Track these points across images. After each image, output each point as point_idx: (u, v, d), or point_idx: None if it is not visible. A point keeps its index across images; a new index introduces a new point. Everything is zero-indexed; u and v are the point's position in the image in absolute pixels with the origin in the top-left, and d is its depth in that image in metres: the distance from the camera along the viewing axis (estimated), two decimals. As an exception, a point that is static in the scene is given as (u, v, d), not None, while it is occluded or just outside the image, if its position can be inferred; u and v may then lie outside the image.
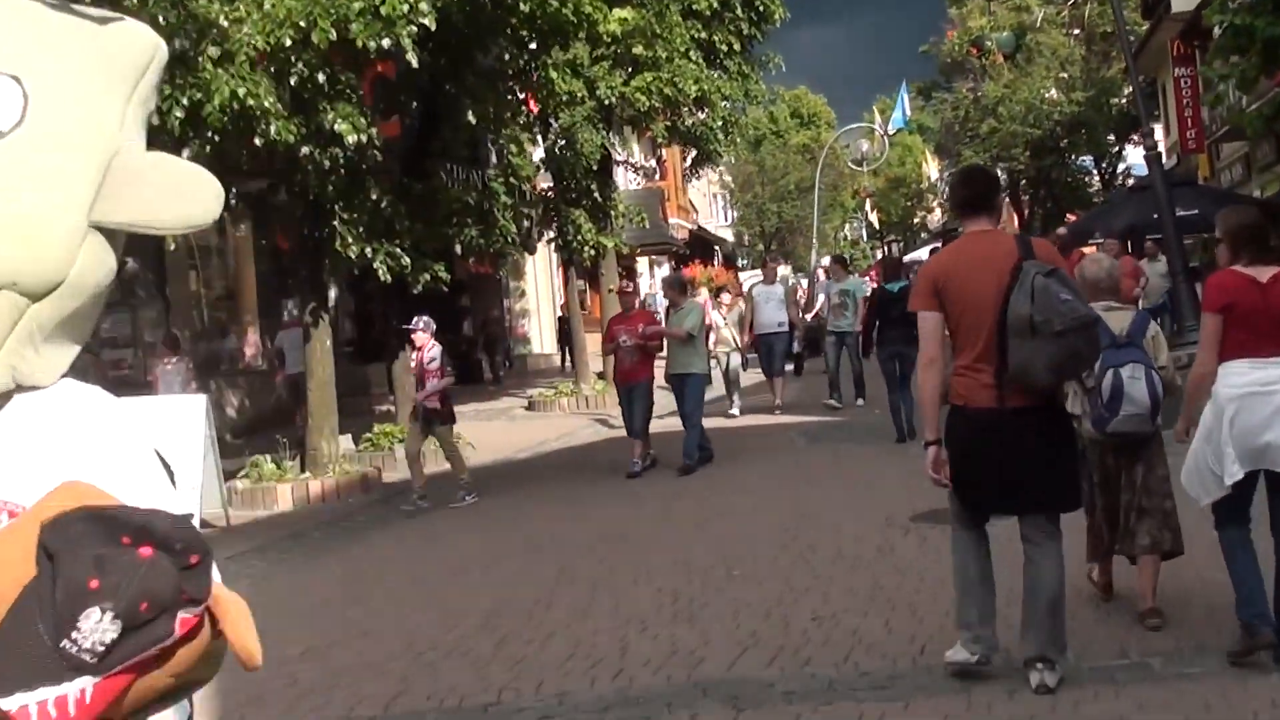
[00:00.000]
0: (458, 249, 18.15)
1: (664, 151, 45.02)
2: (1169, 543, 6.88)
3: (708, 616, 7.87)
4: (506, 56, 17.18)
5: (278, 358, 21.55)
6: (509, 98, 17.02)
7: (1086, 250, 22.35)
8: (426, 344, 13.78)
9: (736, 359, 20.05)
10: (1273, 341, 5.96)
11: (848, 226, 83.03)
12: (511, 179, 19.04)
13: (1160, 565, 6.87)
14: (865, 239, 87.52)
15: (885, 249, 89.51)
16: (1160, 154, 14.68)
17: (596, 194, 24.24)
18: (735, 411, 19.71)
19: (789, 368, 22.05)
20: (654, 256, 51.21)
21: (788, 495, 12.17)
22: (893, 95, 57.95)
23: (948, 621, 6.75)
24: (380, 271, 15.45)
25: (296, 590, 10.22)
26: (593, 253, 24.33)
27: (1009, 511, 6.24)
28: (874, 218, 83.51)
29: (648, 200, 45.40)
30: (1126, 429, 6.74)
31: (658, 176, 48.32)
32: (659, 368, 15.03)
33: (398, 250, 15.51)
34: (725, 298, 21.65)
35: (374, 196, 15.49)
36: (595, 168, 23.95)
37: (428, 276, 16.45)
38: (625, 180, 39.64)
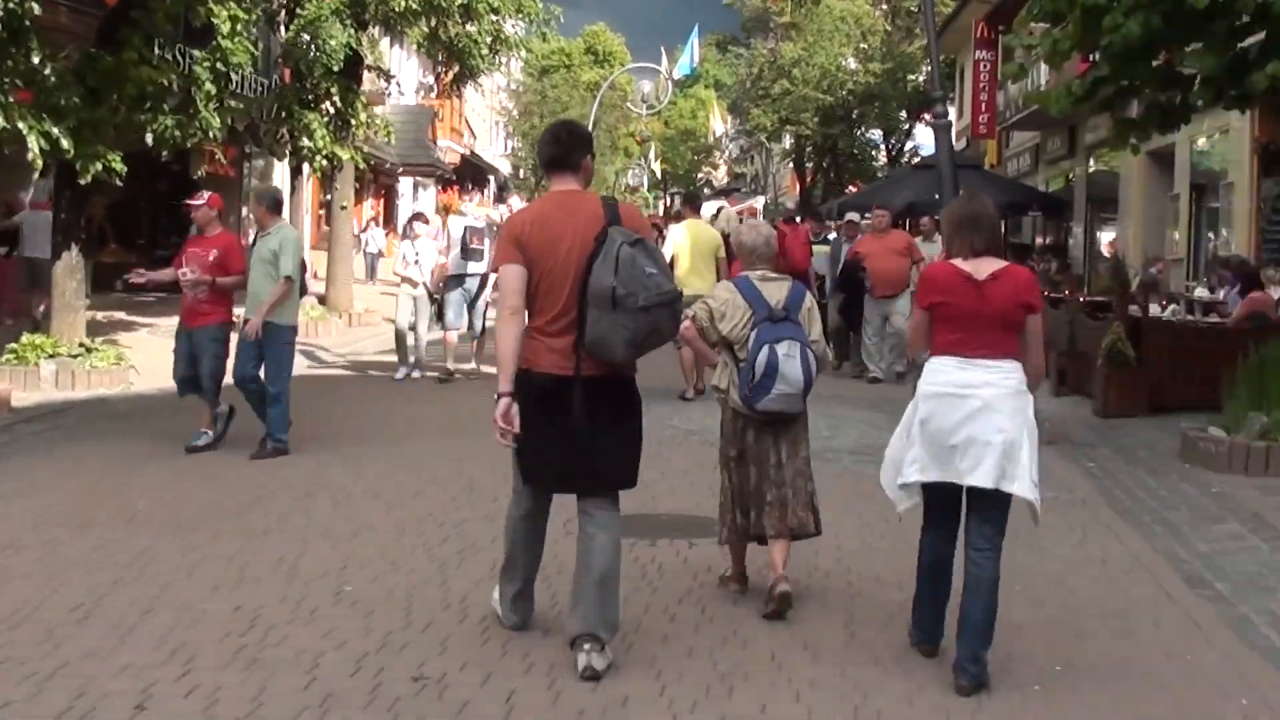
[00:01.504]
0: (149, 139, 15.47)
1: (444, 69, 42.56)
2: (809, 524, 6.78)
3: (278, 659, 5.76)
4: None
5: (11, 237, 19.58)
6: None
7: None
8: None
9: (424, 307, 16.38)
10: (984, 341, 5.65)
11: (630, 173, 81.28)
12: (219, 64, 16.34)
13: (790, 547, 6.72)
14: (646, 187, 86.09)
15: (667, 199, 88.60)
16: (949, 123, 12.99)
17: (336, 98, 21.73)
18: (400, 376, 16.47)
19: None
20: (419, 179, 48.69)
21: (465, 475, 10.06)
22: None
23: (611, 698, 5.24)
24: (31, 154, 12.87)
25: None
26: (325, 163, 21.80)
27: (569, 488, 5.86)
28: (657, 166, 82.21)
29: (416, 118, 42.92)
30: (777, 408, 6.62)
31: (434, 94, 45.83)
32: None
33: (54, 131, 12.90)
34: (420, 227, 17.08)
35: (35, 61, 12.94)
36: (339, 70, 21.44)
37: (99, 167, 13.90)
38: (395, 93, 37.06)
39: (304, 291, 11.77)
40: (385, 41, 39.37)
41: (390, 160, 40.20)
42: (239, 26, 16.27)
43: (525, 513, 6.00)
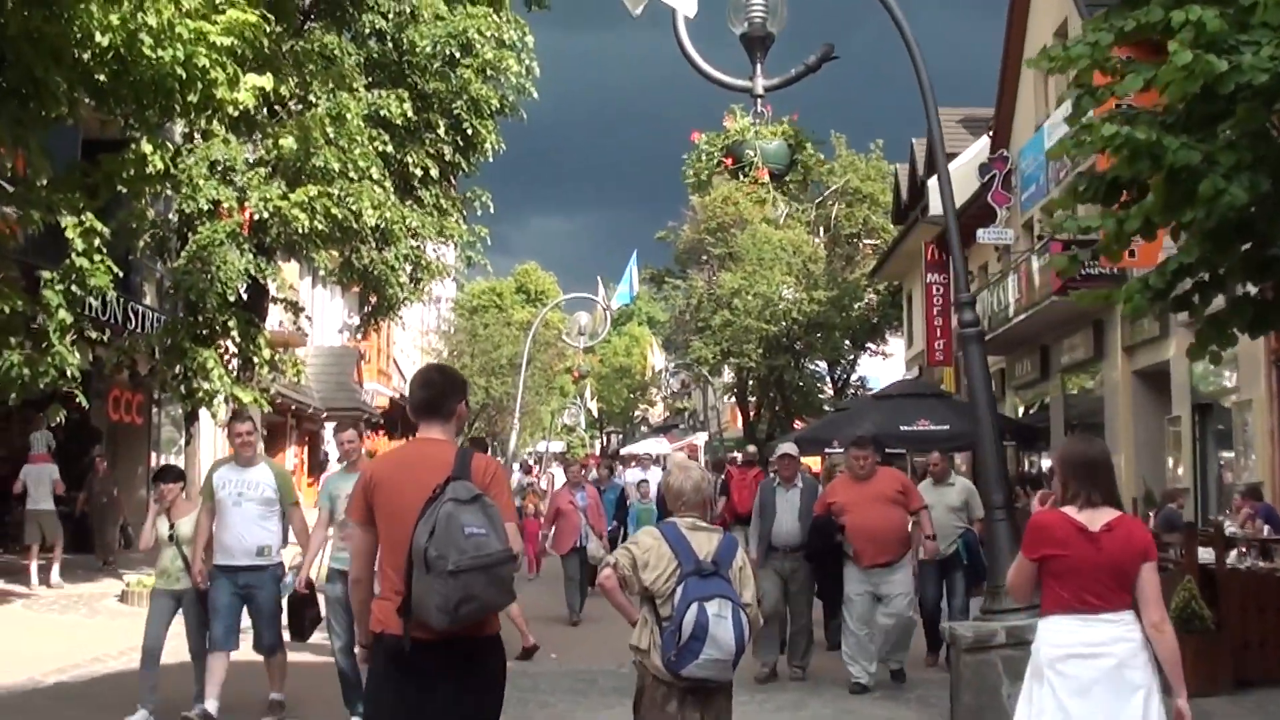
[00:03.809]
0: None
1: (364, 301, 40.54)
2: None
3: None
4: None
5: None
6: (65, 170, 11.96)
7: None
8: None
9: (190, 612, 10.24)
10: (1103, 596, 5.35)
11: (566, 412, 79.37)
12: (74, 288, 13.58)
13: None
14: (584, 427, 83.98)
15: (604, 439, 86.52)
16: (981, 330, 10.15)
17: (235, 333, 19.02)
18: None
19: None
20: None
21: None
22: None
23: None
24: None
25: None
26: (224, 406, 19.02)
27: None
28: (594, 405, 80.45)
29: (340, 359, 41.07)
30: (704, 674, 6.01)
31: (359, 334, 43.89)
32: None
33: None
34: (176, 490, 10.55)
35: None
36: (241, 300, 18.89)
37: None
38: (316, 334, 34.56)
39: None
40: (306, 282, 37.36)
41: (313, 405, 37.63)
42: (96, 241, 13.33)
43: None
